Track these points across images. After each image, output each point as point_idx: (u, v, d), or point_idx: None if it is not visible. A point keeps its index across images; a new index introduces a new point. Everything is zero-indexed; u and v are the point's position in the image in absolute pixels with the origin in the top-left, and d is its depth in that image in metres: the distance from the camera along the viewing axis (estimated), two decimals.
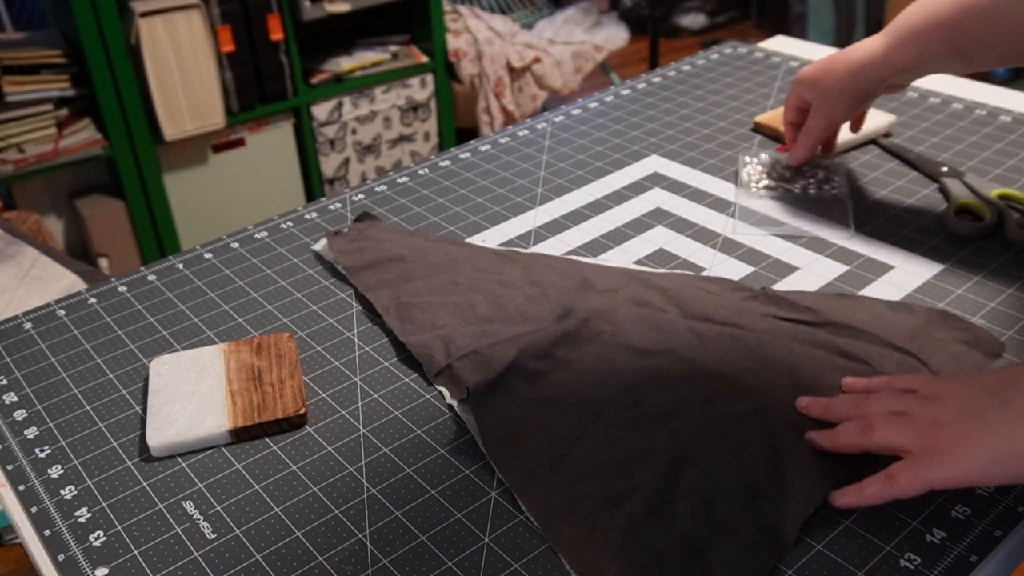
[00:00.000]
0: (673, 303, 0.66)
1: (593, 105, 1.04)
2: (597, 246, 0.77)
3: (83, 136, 1.96)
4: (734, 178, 0.87)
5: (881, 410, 0.51)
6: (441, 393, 0.61)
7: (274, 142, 2.24)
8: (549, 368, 0.60)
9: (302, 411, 0.59)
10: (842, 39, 3.03)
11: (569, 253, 0.76)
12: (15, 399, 0.63)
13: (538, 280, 0.69)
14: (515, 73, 2.56)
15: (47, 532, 0.52)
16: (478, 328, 0.64)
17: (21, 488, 0.56)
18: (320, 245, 0.78)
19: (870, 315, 0.64)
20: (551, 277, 0.70)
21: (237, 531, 0.52)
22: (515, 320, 0.65)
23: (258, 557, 0.50)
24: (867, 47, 0.76)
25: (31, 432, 0.60)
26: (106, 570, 0.50)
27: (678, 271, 0.72)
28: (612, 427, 0.56)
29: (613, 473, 0.52)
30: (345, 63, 2.27)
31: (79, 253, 2.15)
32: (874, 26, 2.98)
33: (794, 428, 0.54)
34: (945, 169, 0.84)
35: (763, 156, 0.88)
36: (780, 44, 1.21)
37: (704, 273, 0.73)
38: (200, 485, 0.55)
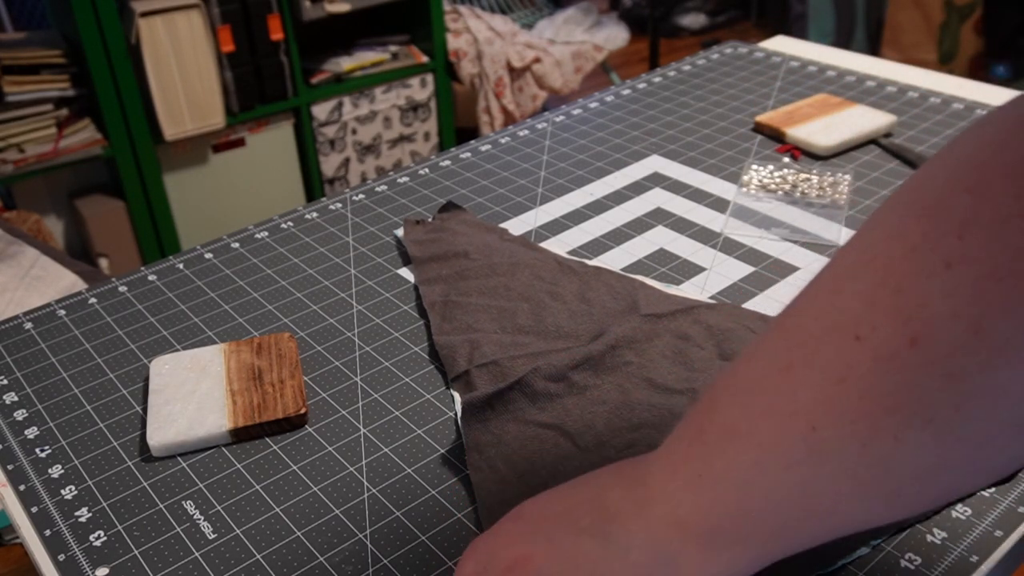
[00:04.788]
0: (713, 340, 0.62)
1: (593, 105, 1.04)
2: (597, 246, 0.77)
3: (83, 136, 1.96)
4: (734, 178, 0.87)
5: None
6: (452, 398, 0.61)
7: (274, 142, 2.24)
8: (562, 391, 0.58)
9: (302, 411, 0.59)
10: (842, 39, 3.03)
11: (570, 253, 0.76)
12: (15, 399, 0.63)
13: (590, 298, 0.68)
14: (515, 73, 2.56)
15: (47, 532, 0.52)
16: (510, 338, 0.63)
17: (21, 488, 0.56)
18: (401, 230, 0.79)
19: None
20: (603, 296, 0.68)
21: (237, 531, 0.52)
22: (550, 335, 0.64)
23: (258, 557, 0.50)
24: None
25: (31, 432, 0.60)
26: (106, 570, 0.50)
27: (735, 305, 0.67)
28: (598, 465, 0.52)
29: None
30: (345, 63, 2.27)
31: (79, 253, 2.15)
32: (874, 26, 2.98)
33: None
34: None
35: (770, 166, 0.88)
36: (780, 44, 1.21)
37: (704, 273, 0.73)
38: (200, 485, 0.55)
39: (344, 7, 2.18)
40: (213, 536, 0.52)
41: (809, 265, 0.73)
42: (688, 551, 0.33)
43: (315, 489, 0.55)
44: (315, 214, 0.84)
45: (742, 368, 0.33)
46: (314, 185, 2.34)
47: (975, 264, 0.28)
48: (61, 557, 0.51)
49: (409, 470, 0.55)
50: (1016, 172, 0.27)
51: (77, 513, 0.54)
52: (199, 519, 0.53)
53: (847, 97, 1.01)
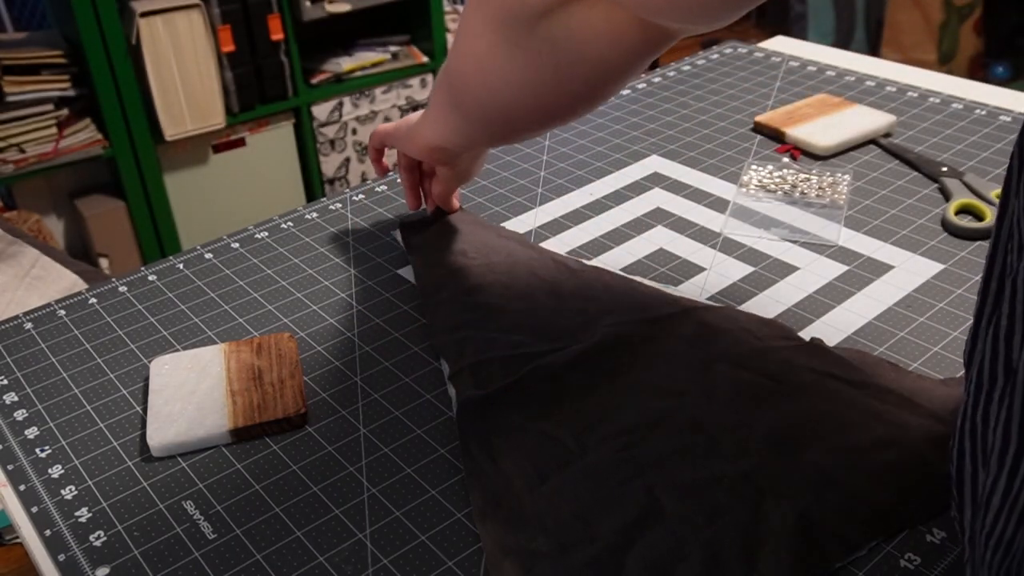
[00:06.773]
0: (711, 342, 0.62)
1: None
2: (597, 246, 0.77)
3: (83, 136, 1.96)
4: (734, 178, 0.87)
5: None
6: (451, 398, 0.61)
7: (274, 142, 2.24)
8: (557, 393, 0.58)
9: (302, 411, 0.59)
10: (842, 39, 3.03)
11: (570, 253, 0.76)
12: (15, 399, 0.63)
13: (588, 297, 0.67)
14: None
15: (47, 532, 0.52)
16: (507, 337, 0.63)
17: (21, 488, 0.56)
18: (399, 231, 0.80)
19: (918, 387, 0.58)
20: (601, 296, 0.67)
21: (237, 531, 0.52)
22: (547, 335, 0.63)
23: (258, 557, 0.50)
24: None
25: (31, 432, 0.60)
26: (107, 570, 0.50)
27: (735, 307, 0.67)
28: (593, 466, 0.53)
29: (574, 518, 0.50)
30: (345, 63, 2.27)
31: (79, 253, 2.15)
32: (874, 26, 2.98)
33: (787, 498, 0.50)
34: (945, 169, 0.84)
35: (770, 166, 0.88)
36: (780, 44, 1.21)
37: (704, 273, 0.73)
38: (200, 485, 0.55)
39: (344, 7, 2.18)
40: (213, 536, 0.52)
41: (809, 265, 0.73)
42: (436, 111, 0.66)
43: (315, 489, 0.55)
44: (315, 214, 0.84)
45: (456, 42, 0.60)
46: (314, 185, 2.34)
47: None
48: (61, 557, 0.51)
49: (409, 470, 0.55)
50: None
51: (77, 513, 0.54)
52: (199, 519, 0.53)
53: (847, 97, 1.01)
